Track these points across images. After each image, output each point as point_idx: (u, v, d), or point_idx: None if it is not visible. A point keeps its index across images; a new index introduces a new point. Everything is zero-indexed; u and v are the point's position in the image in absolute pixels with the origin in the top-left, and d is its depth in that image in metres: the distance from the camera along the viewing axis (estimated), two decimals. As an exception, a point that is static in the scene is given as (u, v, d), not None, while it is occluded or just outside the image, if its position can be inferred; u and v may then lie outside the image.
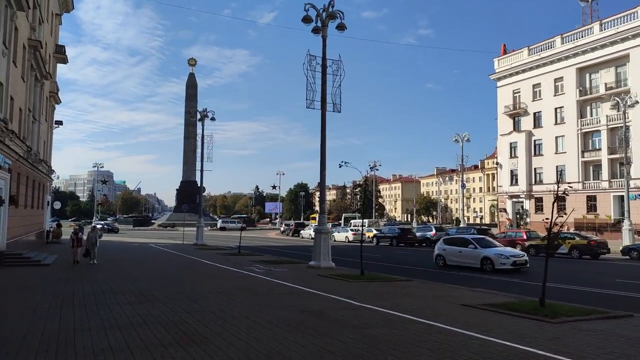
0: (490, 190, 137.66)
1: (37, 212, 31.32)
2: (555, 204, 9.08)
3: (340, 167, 20.32)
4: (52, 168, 40.68)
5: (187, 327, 7.60)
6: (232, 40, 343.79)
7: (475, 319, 8.45)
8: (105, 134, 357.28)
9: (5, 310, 9.03)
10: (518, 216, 57.23)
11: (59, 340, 6.70)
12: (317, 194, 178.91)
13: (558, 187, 8.96)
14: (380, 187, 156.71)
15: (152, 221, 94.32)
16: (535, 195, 54.33)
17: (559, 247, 24.45)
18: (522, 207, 56.59)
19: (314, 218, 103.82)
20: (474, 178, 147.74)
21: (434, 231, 40.77)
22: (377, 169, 67.02)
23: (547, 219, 9.20)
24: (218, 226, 74.65)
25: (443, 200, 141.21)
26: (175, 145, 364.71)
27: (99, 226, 59.26)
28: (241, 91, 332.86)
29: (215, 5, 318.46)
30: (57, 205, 45.02)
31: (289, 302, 10.14)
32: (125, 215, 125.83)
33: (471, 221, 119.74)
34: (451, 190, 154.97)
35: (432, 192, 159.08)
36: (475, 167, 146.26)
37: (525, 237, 31.61)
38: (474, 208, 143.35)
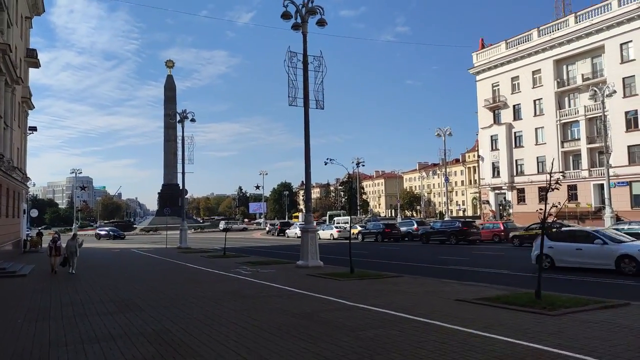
0: (472, 183, 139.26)
1: (12, 221, 30.21)
2: (541, 194, 8.85)
3: (325, 164, 20.08)
4: (28, 175, 39.41)
5: (171, 337, 7.16)
6: (210, 42, 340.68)
7: (471, 314, 8.20)
8: (83, 139, 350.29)
9: (-25, 327, 8.43)
10: (501, 207, 57.80)
11: (31, 358, 6.19)
12: (302, 192, 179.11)
13: (551, 176, 8.75)
14: (364, 183, 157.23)
15: (134, 226, 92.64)
16: (517, 187, 54.92)
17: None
18: (504, 198, 57.15)
19: (297, 216, 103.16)
20: (455, 172, 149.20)
21: (415, 225, 40.88)
22: (363, 165, 66.66)
23: (540, 209, 9.00)
24: (221, 227, 70.73)
25: (426, 194, 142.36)
26: (155, 149, 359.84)
27: (83, 234, 58.87)
28: (221, 92, 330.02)
29: (192, 6, 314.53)
30: (34, 213, 43.71)
31: (279, 305, 9.76)
32: (106, 221, 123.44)
33: (454, 214, 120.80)
34: (434, 184, 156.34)
35: (415, 186, 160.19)
36: (457, 160, 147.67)
37: (502, 228, 32.08)
38: (457, 201, 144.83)
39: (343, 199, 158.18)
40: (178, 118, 37.59)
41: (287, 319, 8.27)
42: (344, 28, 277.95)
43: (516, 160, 55.47)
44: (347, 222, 61.08)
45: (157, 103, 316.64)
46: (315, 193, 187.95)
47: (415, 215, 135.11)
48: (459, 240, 31.48)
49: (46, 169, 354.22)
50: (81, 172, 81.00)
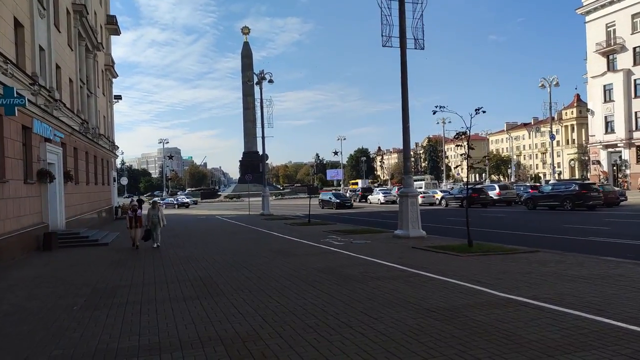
0: (570, 143, 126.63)
1: (102, 189, 30.66)
2: None
3: (434, 113, 16.90)
4: (116, 144, 40.30)
5: (263, 348, 4.92)
6: (283, 9, 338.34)
7: None
8: (171, 112, 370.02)
9: (24, 315, 6.85)
10: (615, 168, 50.51)
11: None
12: (379, 158, 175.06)
13: None
14: (446, 147, 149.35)
15: (219, 193, 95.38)
16: (637, 143, 47.37)
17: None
18: (620, 157, 49.73)
19: (355, 183, 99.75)
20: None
21: (497, 190, 36.47)
22: (484, 112, 61.62)
23: None
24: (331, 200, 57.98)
25: (515, 157, 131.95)
26: (235, 120, 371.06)
27: (168, 201, 61.17)
28: (295, 60, 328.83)
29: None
30: (125, 181, 45.15)
31: (399, 294, 7.24)
32: (193, 189, 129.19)
33: (548, 177, 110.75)
34: (524, 145, 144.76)
35: (503, 149, 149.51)
36: (552, 119, 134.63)
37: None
38: (551, 163, 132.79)
39: (424, 164, 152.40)
40: (256, 80, 35.89)
41: (423, 319, 5.71)
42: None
43: (635, 113, 47.71)
44: (421, 187, 57.03)
45: (235, 75, 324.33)
46: (393, 159, 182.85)
47: (504, 179, 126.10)
48: (575, 206, 26.93)
49: (140, 142, 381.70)
50: (168, 142, 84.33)
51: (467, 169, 13.09)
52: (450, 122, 64.85)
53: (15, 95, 11.03)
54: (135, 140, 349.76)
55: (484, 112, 12.38)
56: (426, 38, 16.37)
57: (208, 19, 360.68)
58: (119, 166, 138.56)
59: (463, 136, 12.42)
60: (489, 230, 17.60)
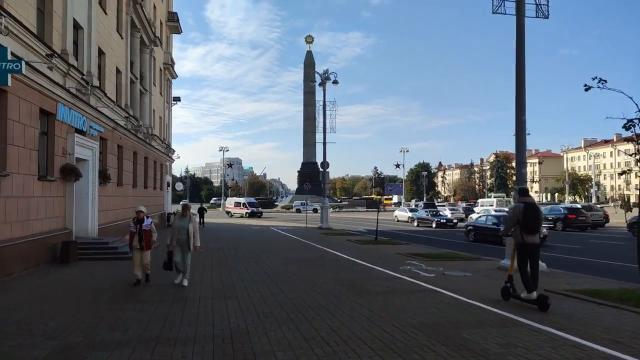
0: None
1: (152, 193, 28.63)
2: None
3: (587, 90, 12.36)
4: (173, 148, 38.78)
5: None
6: (346, 24, 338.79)
7: None
8: (234, 124, 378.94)
9: None
10: None
11: None
12: (440, 173, 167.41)
13: None
14: (514, 163, 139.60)
15: (276, 203, 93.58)
16: None
17: None
18: None
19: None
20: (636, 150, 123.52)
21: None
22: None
23: None
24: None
25: (594, 176, 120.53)
26: (295, 132, 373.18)
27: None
28: (356, 74, 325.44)
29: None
30: (179, 186, 43.67)
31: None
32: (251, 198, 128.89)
33: (634, 200, 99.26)
34: (604, 164, 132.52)
35: (579, 167, 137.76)
36: (638, 135, 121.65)
37: None
38: (637, 184, 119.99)
39: (490, 180, 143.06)
40: (319, 80, 32.84)
41: None
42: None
43: None
44: (492, 205, 51.39)
45: (297, 88, 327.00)
46: (455, 175, 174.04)
47: (578, 200, 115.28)
48: None
49: (206, 152, 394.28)
50: (228, 150, 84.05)
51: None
52: (529, 134, 58.22)
53: (8, 58, 8.32)
54: (201, 150, 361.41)
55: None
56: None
57: (273, 34, 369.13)
58: (182, 174, 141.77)
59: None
60: (622, 265, 13.02)
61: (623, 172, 9.91)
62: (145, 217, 9.50)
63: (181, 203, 9.29)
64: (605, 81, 9.07)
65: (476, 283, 9.67)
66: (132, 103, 22.86)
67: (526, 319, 6.60)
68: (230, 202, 56.29)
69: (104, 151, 17.77)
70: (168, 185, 35.59)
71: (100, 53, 17.58)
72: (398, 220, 40.84)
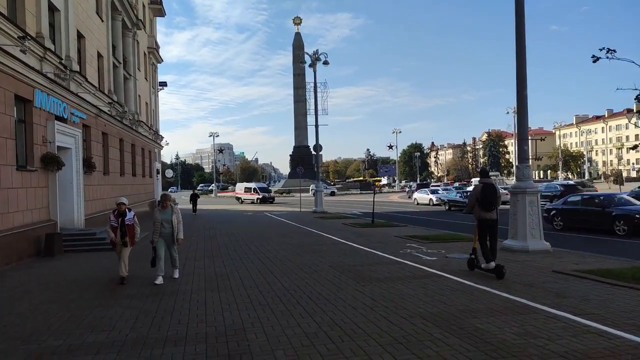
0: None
1: (141, 181, 27.96)
2: None
3: (594, 61, 12.10)
4: (161, 134, 37.92)
5: None
6: (334, 5, 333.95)
7: None
8: (224, 109, 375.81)
9: None
10: None
11: None
12: (433, 154, 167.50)
13: None
14: (507, 142, 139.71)
15: (269, 188, 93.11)
16: None
17: None
18: None
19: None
20: (627, 125, 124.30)
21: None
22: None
23: None
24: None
25: (586, 152, 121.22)
26: (286, 116, 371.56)
27: (222, 196, 51.16)
28: (345, 56, 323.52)
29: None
30: (169, 173, 42.89)
31: None
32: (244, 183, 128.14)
33: (626, 175, 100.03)
34: (596, 140, 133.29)
35: (571, 143, 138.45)
36: (629, 110, 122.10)
37: None
38: (629, 160, 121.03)
39: (483, 159, 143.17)
40: (309, 62, 32.04)
41: None
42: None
43: None
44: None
45: (286, 71, 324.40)
46: (448, 154, 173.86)
47: (570, 177, 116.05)
48: None
49: (196, 138, 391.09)
50: (218, 135, 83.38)
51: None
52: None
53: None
54: (191, 136, 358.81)
55: None
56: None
57: (260, 17, 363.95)
58: (173, 160, 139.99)
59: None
60: (620, 241, 12.72)
61: (635, 147, 9.47)
62: (127, 210, 8.57)
63: (160, 194, 8.12)
64: (614, 51, 8.59)
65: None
66: (116, 88, 22.05)
67: (540, 304, 6.20)
68: (240, 188, 52.98)
69: (88, 139, 17.08)
70: (158, 173, 34.86)
71: (80, 36, 16.75)
72: (418, 204, 38.19)
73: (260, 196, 47.49)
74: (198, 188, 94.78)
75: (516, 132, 11.61)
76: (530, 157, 11.45)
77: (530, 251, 10.77)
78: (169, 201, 8.72)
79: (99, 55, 19.42)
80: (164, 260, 8.55)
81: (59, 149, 13.72)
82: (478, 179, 9.26)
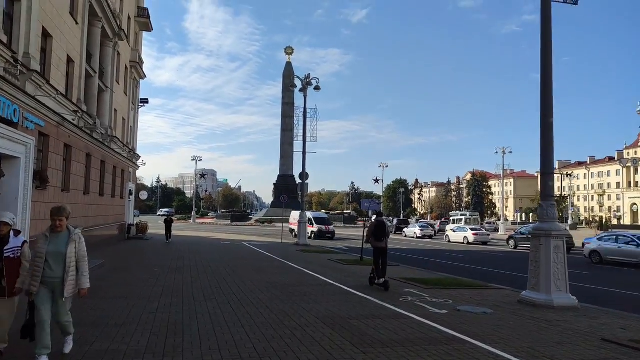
0: (633, 185, 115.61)
1: (110, 201, 25.62)
2: None
3: None
4: (139, 154, 35.76)
5: None
6: (325, 40, 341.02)
7: None
8: (210, 136, 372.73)
9: None
10: None
11: None
12: (417, 190, 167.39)
13: None
14: (490, 183, 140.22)
15: (250, 217, 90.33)
16: None
17: None
18: None
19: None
20: (609, 172, 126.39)
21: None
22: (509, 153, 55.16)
23: None
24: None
25: (570, 197, 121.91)
26: (272, 146, 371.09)
27: (201, 222, 48.10)
28: (334, 90, 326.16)
29: (309, 5, 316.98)
30: (144, 195, 40.37)
31: None
32: (224, 210, 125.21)
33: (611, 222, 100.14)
34: (578, 186, 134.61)
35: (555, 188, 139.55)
36: (611, 158, 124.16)
37: None
38: (610, 206, 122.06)
39: (466, 199, 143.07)
40: (300, 86, 30.66)
41: None
42: (463, 19, 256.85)
43: None
44: (461, 221, 50.04)
45: (275, 102, 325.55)
46: (432, 192, 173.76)
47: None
48: None
49: (180, 163, 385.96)
50: (201, 160, 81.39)
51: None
52: (510, 152, 57.43)
53: None
54: (175, 160, 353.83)
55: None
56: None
57: (252, 48, 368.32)
58: (154, 183, 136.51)
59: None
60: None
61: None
62: (12, 235, 5.19)
63: (52, 208, 5.31)
64: None
65: (507, 326, 7.38)
66: (87, 99, 20.10)
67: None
68: (294, 217, 35.79)
69: (45, 149, 14.98)
70: (131, 194, 32.44)
71: (46, 35, 14.91)
72: (450, 241, 37.03)
73: (314, 229, 36.12)
74: (162, 212, 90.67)
75: (540, 165, 10.00)
76: (553, 192, 9.85)
77: (555, 307, 8.99)
78: (64, 220, 5.17)
79: (70, 60, 17.55)
80: (49, 325, 4.99)
81: (4, 157, 11.64)
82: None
